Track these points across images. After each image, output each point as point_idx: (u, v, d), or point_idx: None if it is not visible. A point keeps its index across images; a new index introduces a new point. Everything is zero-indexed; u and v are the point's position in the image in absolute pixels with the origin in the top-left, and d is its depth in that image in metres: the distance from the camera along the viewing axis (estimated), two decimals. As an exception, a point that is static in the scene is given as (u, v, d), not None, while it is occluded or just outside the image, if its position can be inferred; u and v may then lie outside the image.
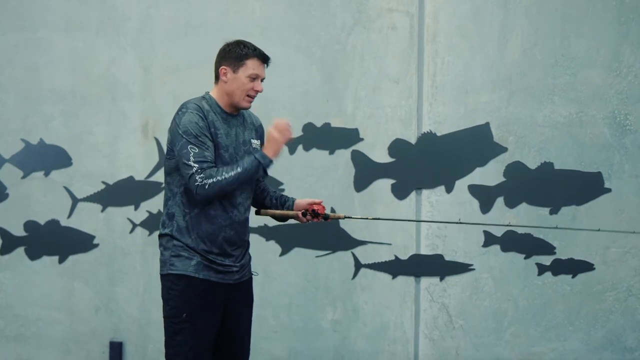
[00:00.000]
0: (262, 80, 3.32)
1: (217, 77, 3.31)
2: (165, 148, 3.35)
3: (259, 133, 3.46)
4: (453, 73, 4.57)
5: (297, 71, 4.68)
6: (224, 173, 3.12)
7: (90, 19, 4.77)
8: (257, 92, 3.30)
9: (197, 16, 4.70)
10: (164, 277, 3.27)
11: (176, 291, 3.21)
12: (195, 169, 3.11)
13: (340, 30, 4.65)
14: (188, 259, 3.21)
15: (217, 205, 3.21)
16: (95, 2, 4.77)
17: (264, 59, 3.31)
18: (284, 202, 3.47)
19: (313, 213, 3.36)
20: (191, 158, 3.12)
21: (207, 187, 3.10)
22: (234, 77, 3.25)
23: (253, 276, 3.45)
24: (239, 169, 3.13)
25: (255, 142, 3.39)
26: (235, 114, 3.33)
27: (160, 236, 3.31)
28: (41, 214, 4.82)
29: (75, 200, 4.81)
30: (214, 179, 3.11)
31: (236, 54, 3.25)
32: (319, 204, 3.40)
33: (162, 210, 3.38)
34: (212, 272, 3.23)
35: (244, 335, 3.40)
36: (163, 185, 3.52)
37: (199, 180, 3.10)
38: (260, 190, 3.52)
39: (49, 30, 4.79)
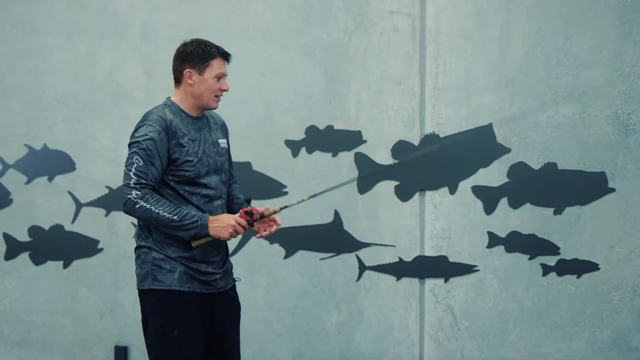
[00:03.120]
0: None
1: (177, 80, 3.24)
2: None
3: (224, 131, 3.40)
4: (455, 74, 4.57)
5: (300, 74, 4.68)
6: (160, 209, 3.05)
7: (92, 25, 4.79)
8: (223, 91, 3.25)
9: (199, 21, 4.71)
10: (145, 292, 3.17)
11: (162, 308, 3.14)
12: (133, 181, 3.05)
13: (342, 34, 4.65)
14: (170, 272, 3.14)
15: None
16: (97, 7, 4.79)
17: (227, 57, 3.26)
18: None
19: (246, 213, 3.15)
20: (133, 169, 3.06)
21: (137, 206, 3.05)
22: (200, 79, 3.19)
23: (237, 282, 3.40)
24: (175, 217, 3.06)
25: (222, 141, 3.33)
26: (199, 116, 3.26)
27: (138, 247, 3.21)
28: (45, 219, 4.83)
29: (79, 205, 4.82)
30: (148, 206, 3.05)
31: (200, 55, 3.20)
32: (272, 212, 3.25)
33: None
34: (196, 282, 3.16)
35: (235, 344, 3.34)
36: None
37: (134, 195, 3.04)
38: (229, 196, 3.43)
39: (51, 36, 4.81)
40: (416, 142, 4.60)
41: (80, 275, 4.83)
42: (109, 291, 4.81)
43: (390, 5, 4.60)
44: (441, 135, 4.57)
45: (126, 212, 3.10)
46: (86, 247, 4.81)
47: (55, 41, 4.81)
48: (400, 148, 4.60)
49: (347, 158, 4.65)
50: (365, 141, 4.64)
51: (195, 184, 3.17)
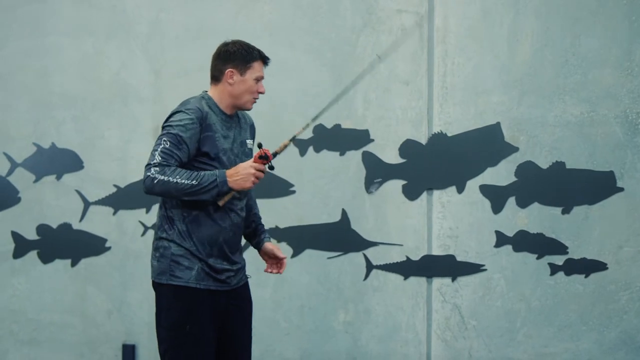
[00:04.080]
0: None
1: (216, 79, 3.25)
2: None
3: (252, 132, 3.43)
4: (463, 74, 4.57)
5: (307, 73, 4.68)
6: (177, 177, 3.04)
7: (100, 24, 4.79)
8: (260, 93, 3.29)
9: (207, 20, 4.71)
10: (162, 286, 3.19)
11: (178, 303, 3.16)
12: (156, 161, 3.05)
13: (350, 32, 4.65)
14: (189, 269, 3.15)
15: (216, 206, 3.16)
16: (105, 6, 4.79)
17: (266, 61, 3.29)
18: (256, 235, 3.46)
19: (261, 158, 3.12)
20: (159, 149, 3.06)
21: (155, 182, 3.03)
22: (241, 80, 3.22)
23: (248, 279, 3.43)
24: (194, 182, 3.04)
25: (250, 142, 3.36)
26: (232, 114, 3.29)
27: (159, 239, 3.20)
28: (53, 218, 4.84)
29: (87, 204, 4.83)
30: (166, 178, 3.03)
31: (242, 56, 3.22)
32: (281, 259, 3.39)
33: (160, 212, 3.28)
34: (211, 280, 3.19)
35: (247, 341, 3.37)
36: None
37: (152, 172, 3.03)
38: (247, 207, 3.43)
39: (58, 36, 4.82)
40: (424, 142, 4.60)
41: (88, 273, 4.84)
42: (116, 290, 4.82)
43: (398, 5, 4.60)
44: (449, 135, 4.57)
45: (147, 192, 3.09)
46: (94, 245, 4.82)
47: (63, 40, 4.82)
48: (407, 147, 4.60)
49: (354, 157, 4.65)
50: (372, 140, 4.64)
51: None
